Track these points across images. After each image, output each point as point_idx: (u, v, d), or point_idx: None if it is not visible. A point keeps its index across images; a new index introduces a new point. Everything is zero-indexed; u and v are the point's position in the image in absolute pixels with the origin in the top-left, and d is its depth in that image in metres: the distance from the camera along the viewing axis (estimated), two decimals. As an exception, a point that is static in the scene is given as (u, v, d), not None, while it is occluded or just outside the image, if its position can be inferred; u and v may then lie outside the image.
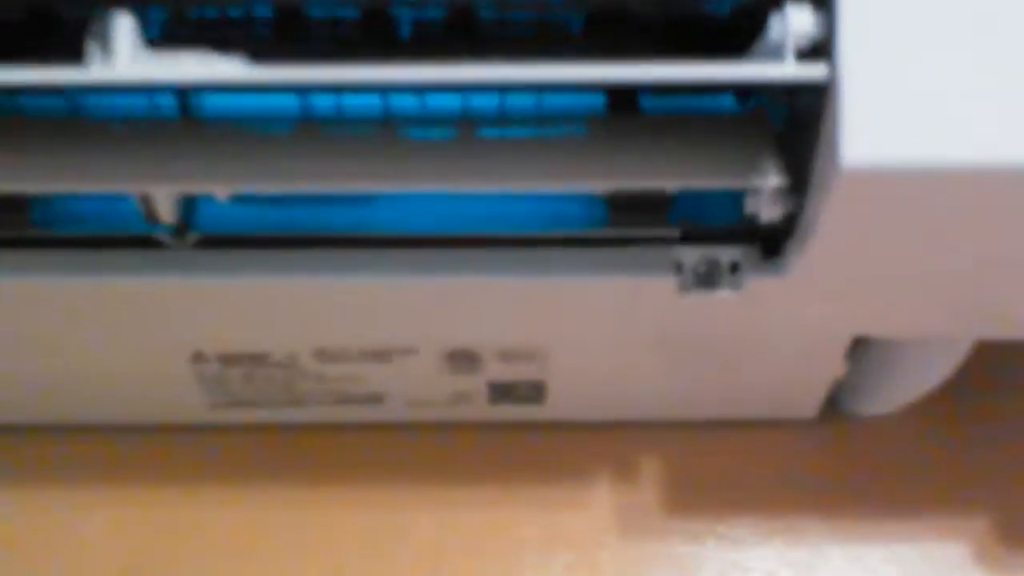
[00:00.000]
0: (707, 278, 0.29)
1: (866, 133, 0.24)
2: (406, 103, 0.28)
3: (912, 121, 0.24)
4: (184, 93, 0.28)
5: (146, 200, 0.28)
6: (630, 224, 0.29)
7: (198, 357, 0.34)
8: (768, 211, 0.27)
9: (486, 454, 0.36)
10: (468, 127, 0.28)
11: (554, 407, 0.36)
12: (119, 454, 0.37)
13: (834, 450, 0.37)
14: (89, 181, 0.27)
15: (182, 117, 0.28)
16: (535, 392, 0.35)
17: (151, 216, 0.28)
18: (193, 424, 0.37)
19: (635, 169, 0.27)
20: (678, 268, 0.29)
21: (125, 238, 0.30)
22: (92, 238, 0.30)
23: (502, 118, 0.28)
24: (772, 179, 0.27)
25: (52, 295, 0.30)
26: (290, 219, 0.30)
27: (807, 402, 0.36)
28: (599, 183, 0.28)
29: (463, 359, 0.34)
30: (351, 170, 0.27)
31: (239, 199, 0.29)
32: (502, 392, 0.35)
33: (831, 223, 0.26)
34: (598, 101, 0.29)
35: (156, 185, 0.27)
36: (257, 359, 0.34)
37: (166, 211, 0.28)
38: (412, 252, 0.30)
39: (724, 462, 0.36)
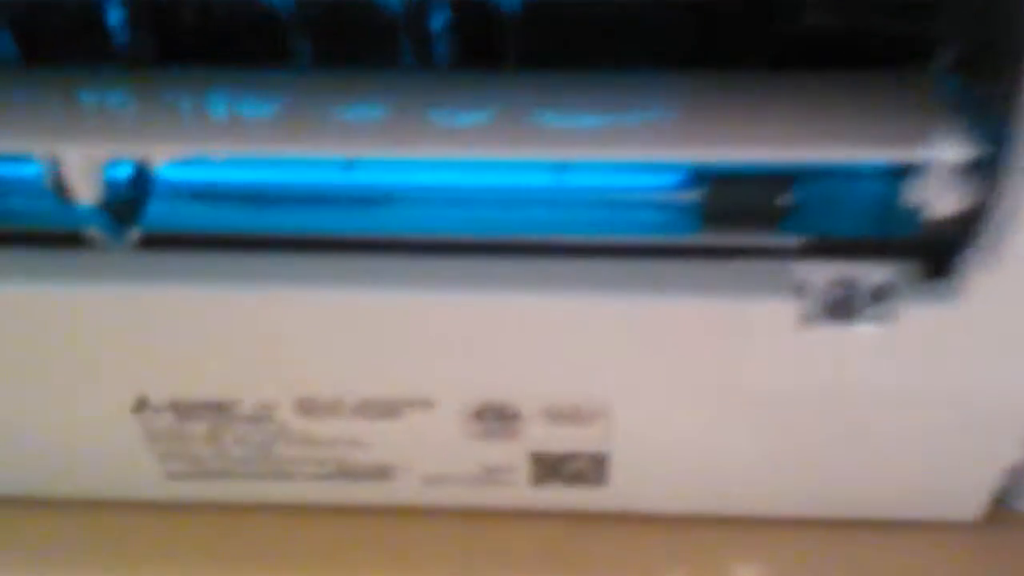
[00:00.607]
0: (842, 306, 0.26)
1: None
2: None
3: None
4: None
5: (55, 167, 0.25)
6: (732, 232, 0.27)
7: (143, 404, 0.29)
8: (942, 201, 0.24)
9: (528, 551, 0.33)
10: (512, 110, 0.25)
11: (620, 491, 0.32)
12: (48, 538, 0.33)
13: (1005, 564, 0.32)
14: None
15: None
16: (595, 469, 0.31)
17: (60, 189, 0.25)
18: (144, 501, 0.33)
19: (741, 137, 0.24)
20: (800, 291, 0.26)
21: (44, 235, 0.27)
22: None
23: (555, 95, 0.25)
24: (950, 150, 0.23)
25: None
26: (270, 223, 0.27)
27: (970, 497, 0.32)
28: (688, 153, 0.24)
29: (497, 418, 0.30)
30: (352, 134, 0.24)
31: (201, 194, 0.27)
32: (550, 467, 0.31)
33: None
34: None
35: (63, 143, 0.24)
36: (221, 410, 0.30)
37: (82, 183, 0.25)
38: (429, 260, 0.27)
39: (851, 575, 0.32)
